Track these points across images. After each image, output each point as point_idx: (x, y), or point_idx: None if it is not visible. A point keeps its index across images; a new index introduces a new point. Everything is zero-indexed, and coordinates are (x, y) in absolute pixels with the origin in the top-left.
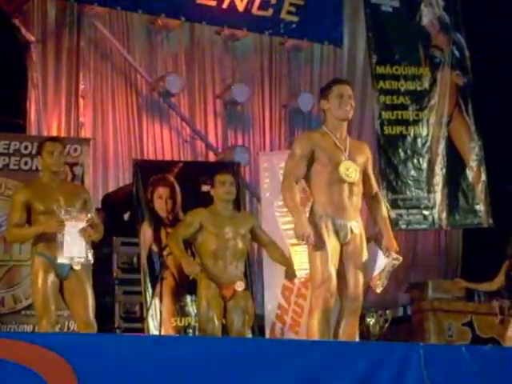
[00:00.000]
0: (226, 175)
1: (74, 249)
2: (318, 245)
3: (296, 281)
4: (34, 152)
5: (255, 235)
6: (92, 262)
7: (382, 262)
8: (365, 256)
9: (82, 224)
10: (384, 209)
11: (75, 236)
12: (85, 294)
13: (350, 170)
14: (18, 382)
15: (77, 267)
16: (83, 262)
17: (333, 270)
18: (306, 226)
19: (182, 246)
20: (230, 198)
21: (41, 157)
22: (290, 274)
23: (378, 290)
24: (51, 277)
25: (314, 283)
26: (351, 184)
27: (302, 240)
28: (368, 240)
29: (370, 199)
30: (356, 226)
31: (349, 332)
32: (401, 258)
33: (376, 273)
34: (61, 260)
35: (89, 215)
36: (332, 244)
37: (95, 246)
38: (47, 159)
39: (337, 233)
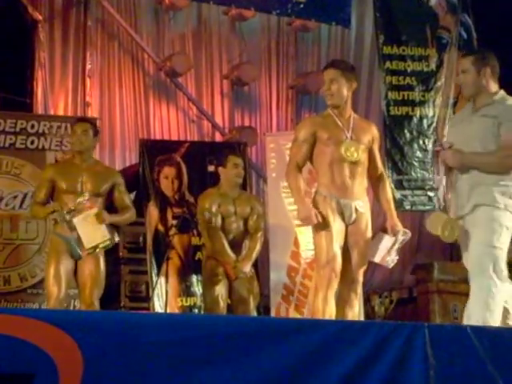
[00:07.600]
0: (239, 157)
1: (97, 235)
2: (323, 225)
3: (302, 261)
4: (40, 131)
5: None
6: (117, 241)
7: (388, 241)
8: (369, 236)
9: (95, 210)
10: (389, 190)
11: (91, 224)
12: (93, 277)
13: (352, 150)
14: (23, 359)
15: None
16: (110, 244)
17: (338, 250)
18: (309, 209)
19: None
20: (240, 182)
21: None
22: None
23: (390, 266)
24: (64, 257)
25: (319, 263)
26: (353, 164)
27: (306, 223)
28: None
29: (374, 180)
30: (361, 205)
31: (350, 313)
32: (409, 233)
33: (382, 252)
34: (85, 252)
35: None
36: (337, 224)
37: None
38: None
39: (342, 213)
